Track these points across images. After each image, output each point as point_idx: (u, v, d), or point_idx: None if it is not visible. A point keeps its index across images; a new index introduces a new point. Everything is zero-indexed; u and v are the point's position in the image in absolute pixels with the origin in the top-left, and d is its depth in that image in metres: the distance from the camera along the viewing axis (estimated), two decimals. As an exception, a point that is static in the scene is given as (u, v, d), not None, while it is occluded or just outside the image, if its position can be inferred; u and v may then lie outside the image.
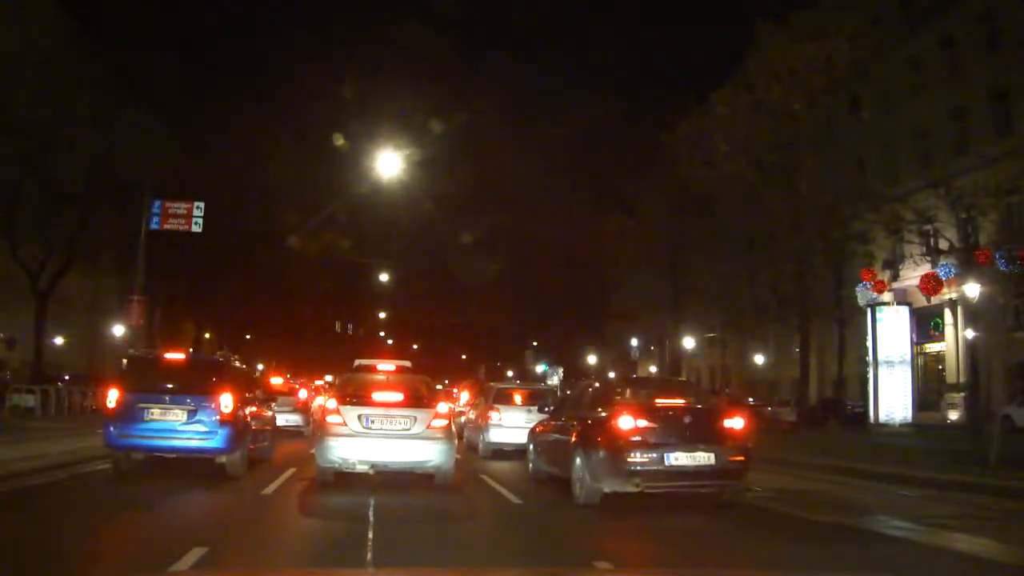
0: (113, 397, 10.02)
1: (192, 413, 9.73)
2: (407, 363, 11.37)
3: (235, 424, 9.99)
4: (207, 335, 48.74)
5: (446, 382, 42.13)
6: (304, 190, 38.01)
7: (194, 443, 9.74)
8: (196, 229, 21.74)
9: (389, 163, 20.60)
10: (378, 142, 24.03)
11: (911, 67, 29.22)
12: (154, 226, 21.07)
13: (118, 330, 33.02)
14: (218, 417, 9.75)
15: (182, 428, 9.71)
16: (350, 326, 66.38)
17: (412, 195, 34.26)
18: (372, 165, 21.52)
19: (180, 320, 43.87)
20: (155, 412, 9.71)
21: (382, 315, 65.58)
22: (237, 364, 13.18)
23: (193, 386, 10.02)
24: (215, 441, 9.75)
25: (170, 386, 9.97)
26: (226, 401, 9.88)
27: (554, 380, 53.43)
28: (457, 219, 50.58)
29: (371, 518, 7.59)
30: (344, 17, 73.62)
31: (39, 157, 23.16)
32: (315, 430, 12.30)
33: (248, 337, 51.64)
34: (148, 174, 21.41)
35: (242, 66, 66.21)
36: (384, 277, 46.80)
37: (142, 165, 22.22)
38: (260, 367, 45.14)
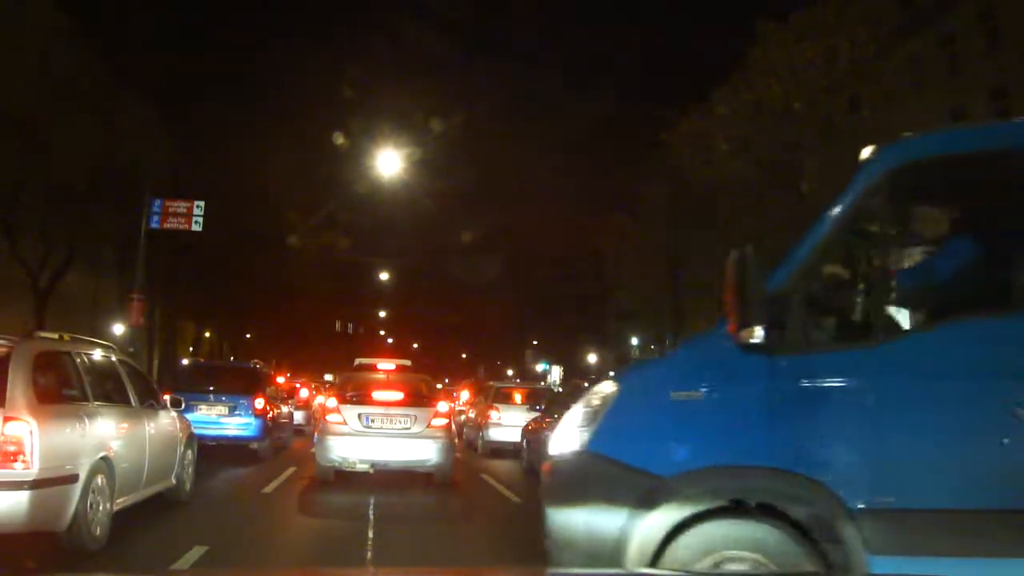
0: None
1: (232, 409, 11.94)
2: (407, 362, 11.45)
3: (265, 418, 12.20)
4: (207, 334, 48.65)
5: (446, 381, 41.98)
6: (304, 189, 37.96)
7: (233, 432, 11.90)
8: (196, 228, 21.69)
9: (389, 162, 20.68)
10: (378, 141, 24.00)
11: (911, 66, 29.17)
12: (154, 225, 21.02)
13: (118, 329, 32.99)
14: (252, 412, 11.99)
15: (224, 421, 11.89)
16: (350, 325, 66.26)
17: (412, 194, 34.25)
18: (372, 164, 21.57)
19: (180, 320, 43.80)
20: (203, 408, 11.72)
21: (382, 314, 65.62)
22: (264, 370, 15.15)
23: (233, 388, 12.30)
24: (250, 431, 11.98)
25: (214, 388, 12.23)
26: (259, 400, 12.13)
27: (551, 379, 53.43)
28: (457, 218, 50.58)
29: (371, 517, 7.60)
30: (344, 16, 73.61)
31: (39, 157, 23.11)
32: (315, 429, 12.45)
33: (248, 336, 51.57)
34: (148, 174, 21.38)
35: (242, 65, 65.99)
36: (384, 276, 46.92)
37: (142, 165, 22.19)
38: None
